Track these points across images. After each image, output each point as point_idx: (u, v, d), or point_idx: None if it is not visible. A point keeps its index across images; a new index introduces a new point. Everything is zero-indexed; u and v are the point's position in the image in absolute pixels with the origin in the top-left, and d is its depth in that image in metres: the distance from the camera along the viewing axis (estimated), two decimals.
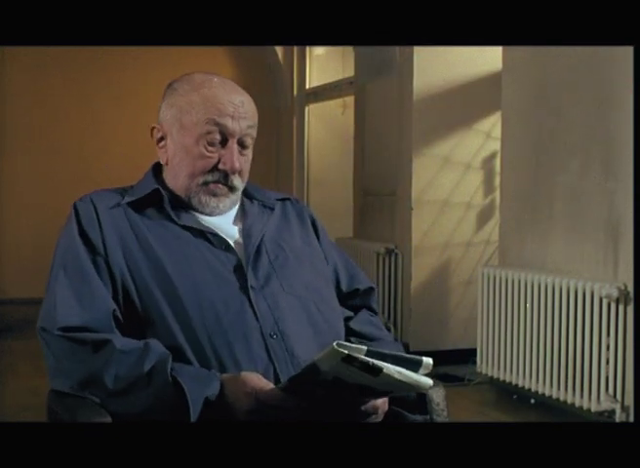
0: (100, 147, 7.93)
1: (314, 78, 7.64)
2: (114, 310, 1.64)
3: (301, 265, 1.81)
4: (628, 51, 3.63)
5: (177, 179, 1.77)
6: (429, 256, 5.46)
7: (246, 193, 1.86)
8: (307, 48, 7.63)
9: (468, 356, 4.94)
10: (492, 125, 5.42)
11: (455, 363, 5.12)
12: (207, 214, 1.78)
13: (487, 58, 5.34)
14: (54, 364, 1.64)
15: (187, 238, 1.73)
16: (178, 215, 1.76)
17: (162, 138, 1.79)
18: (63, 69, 7.82)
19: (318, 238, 1.94)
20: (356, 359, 1.37)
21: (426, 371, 1.46)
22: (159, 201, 1.77)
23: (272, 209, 1.88)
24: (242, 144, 1.76)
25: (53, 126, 7.89)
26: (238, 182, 1.78)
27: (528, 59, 4.51)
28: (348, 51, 6.83)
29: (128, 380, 1.56)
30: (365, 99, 6.20)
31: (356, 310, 1.93)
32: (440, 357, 5.67)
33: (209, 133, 1.72)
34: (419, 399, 1.77)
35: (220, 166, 1.74)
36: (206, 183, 1.75)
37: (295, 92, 7.79)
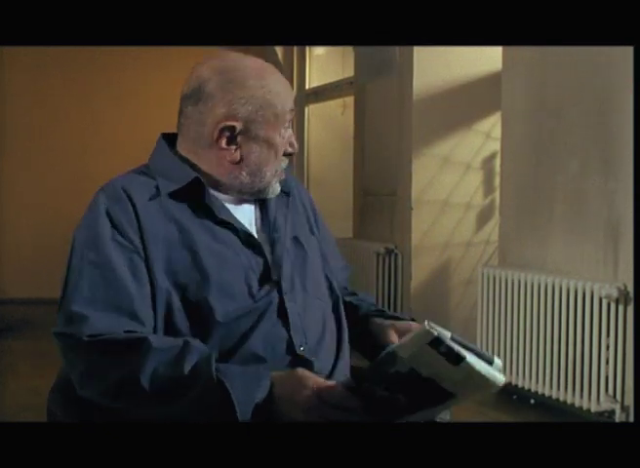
0: (100, 147, 7.93)
1: (314, 78, 7.64)
2: (148, 314, 1.55)
3: (314, 262, 1.78)
4: (628, 51, 3.63)
5: (255, 175, 1.68)
6: (429, 256, 5.46)
7: None
8: (307, 48, 7.63)
9: None
10: (492, 125, 5.41)
11: None
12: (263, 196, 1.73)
13: (487, 58, 5.33)
14: (83, 369, 1.53)
15: (223, 236, 1.65)
16: (216, 207, 1.67)
17: (233, 137, 1.66)
18: (63, 69, 7.82)
19: (316, 220, 1.90)
20: (443, 343, 1.32)
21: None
22: (198, 191, 1.66)
23: (288, 193, 1.80)
24: None
25: (53, 126, 7.90)
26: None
27: (528, 59, 4.51)
28: (348, 51, 6.83)
29: (166, 382, 1.46)
30: (365, 99, 6.20)
31: None
32: None
33: (287, 121, 1.69)
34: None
35: (289, 150, 1.71)
36: (278, 172, 1.71)
37: (295, 92, 7.79)
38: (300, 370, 1.49)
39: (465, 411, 4.30)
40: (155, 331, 1.56)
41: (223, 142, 1.66)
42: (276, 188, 1.72)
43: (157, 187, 1.65)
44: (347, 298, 1.89)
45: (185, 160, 1.69)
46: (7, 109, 7.76)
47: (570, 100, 4.21)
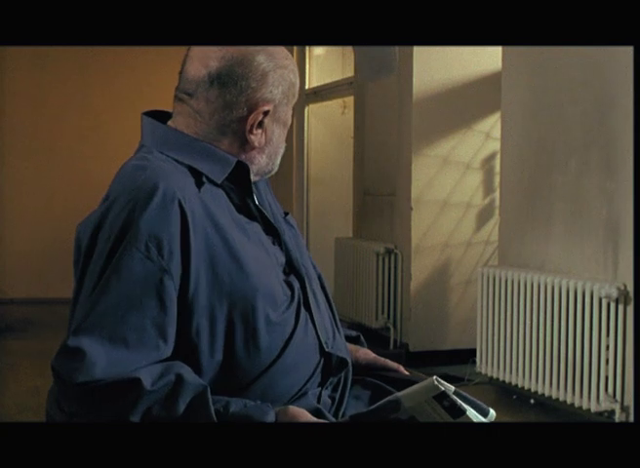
0: (100, 148, 7.92)
1: (314, 78, 7.64)
2: (161, 343, 1.46)
3: (302, 240, 1.77)
4: (628, 51, 3.63)
5: (271, 157, 1.66)
6: (429, 256, 5.46)
7: None
8: (307, 48, 7.63)
9: (468, 356, 4.94)
10: (492, 125, 5.42)
11: (454, 363, 5.12)
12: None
13: (487, 58, 5.34)
14: (74, 410, 1.46)
15: (249, 229, 1.59)
16: (249, 197, 1.61)
17: (261, 121, 1.61)
18: (63, 69, 7.82)
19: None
20: (448, 397, 1.36)
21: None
22: (233, 178, 1.59)
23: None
24: None
25: (52, 126, 7.89)
26: None
27: (528, 60, 4.51)
28: (348, 51, 6.83)
29: (159, 419, 1.42)
30: (365, 99, 6.20)
31: None
32: (440, 357, 5.69)
33: None
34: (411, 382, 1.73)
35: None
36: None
37: None
38: (292, 408, 1.49)
39: None
40: (178, 351, 1.49)
41: (256, 126, 1.61)
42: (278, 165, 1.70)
43: (196, 180, 1.55)
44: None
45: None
46: (7, 109, 7.75)
47: (570, 100, 4.21)
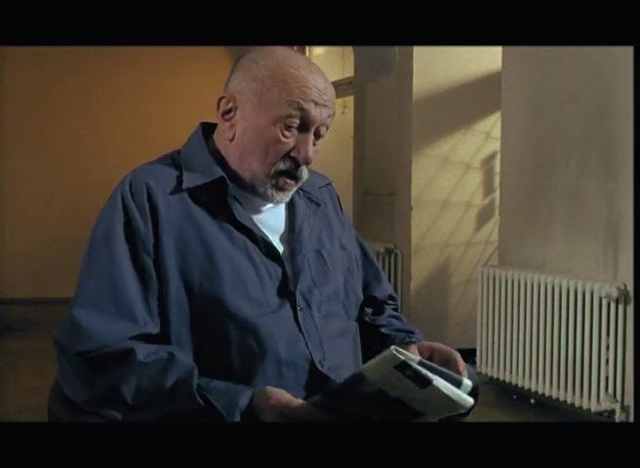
0: (100, 148, 7.93)
1: None
2: (150, 317, 1.54)
3: (336, 278, 1.72)
4: (628, 51, 3.63)
5: (243, 161, 1.61)
6: (429, 256, 5.46)
7: None
8: (307, 48, 7.63)
9: (468, 356, 4.94)
10: (492, 125, 5.42)
11: None
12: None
13: (487, 58, 5.34)
14: (71, 380, 1.53)
15: (240, 242, 1.60)
16: (237, 210, 1.60)
17: (230, 111, 1.61)
18: (63, 69, 7.82)
19: (344, 228, 1.85)
20: (410, 366, 1.33)
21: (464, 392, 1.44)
22: (221, 190, 1.60)
23: (318, 204, 1.76)
24: (317, 134, 1.65)
25: (53, 126, 7.90)
26: (305, 174, 1.68)
27: (528, 60, 4.52)
28: (348, 51, 6.83)
29: (147, 395, 1.47)
30: (365, 99, 6.20)
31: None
32: None
33: (289, 116, 1.57)
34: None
35: (293, 153, 1.62)
36: (276, 174, 1.61)
37: None
38: (269, 388, 1.48)
39: None
40: (164, 330, 1.54)
41: (221, 114, 1.63)
42: (279, 196, 1.63)
43: (180, 180, 1.60)
44: (384, 330, 1.81)
45: (215, 152, 1.64)
46: (7, 109, 7.76)
47: (570, 101, 4.21)
